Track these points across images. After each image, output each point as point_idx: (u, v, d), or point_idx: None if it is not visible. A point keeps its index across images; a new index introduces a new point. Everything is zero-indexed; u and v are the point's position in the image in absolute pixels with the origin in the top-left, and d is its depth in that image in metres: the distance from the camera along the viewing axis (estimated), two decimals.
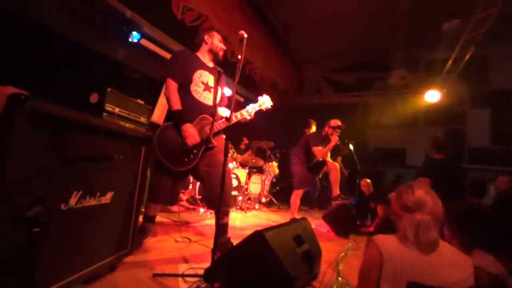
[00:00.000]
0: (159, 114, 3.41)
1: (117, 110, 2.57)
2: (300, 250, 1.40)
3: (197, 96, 1.90)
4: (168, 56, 3.83)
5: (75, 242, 1.12)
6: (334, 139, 3.20)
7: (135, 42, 3.41)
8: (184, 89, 1.86)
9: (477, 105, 6.57)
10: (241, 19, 4.33)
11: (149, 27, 3.39)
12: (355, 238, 2.94)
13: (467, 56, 4.79)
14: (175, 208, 3.11)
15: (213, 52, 2.03)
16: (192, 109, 1.85)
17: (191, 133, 1.78)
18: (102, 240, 1.29)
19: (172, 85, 1.82)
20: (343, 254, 2.27)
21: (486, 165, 6.39)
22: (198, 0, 3.53)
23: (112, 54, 3.26)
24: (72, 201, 1.08)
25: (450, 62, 5.14)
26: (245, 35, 1.60)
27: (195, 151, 1.82)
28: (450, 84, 5.63)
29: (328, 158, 3.39)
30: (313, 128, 3.79)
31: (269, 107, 2.05)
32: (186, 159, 1.80)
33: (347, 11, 4.82)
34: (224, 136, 2.01)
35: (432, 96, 5.64)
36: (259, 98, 2.05)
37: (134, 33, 3.37)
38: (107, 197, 1.28)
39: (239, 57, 1.59)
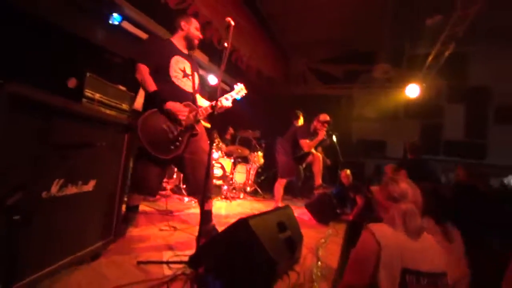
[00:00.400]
0: (141, 101, 3.31)
1: (97, 96, 2.47)
2: (283, 236, 1.46)
3: (177, 83, 1.85)
4: None
5: (57, 230, 1.10)
6: (322, 134, 3.28)
7: (116, 25, 3.24)
8: (162, 76, 1.79)
9: (454, 100, 6.89)
10: (228, 6, 4.21)
11: (131, 9, 3.23)
12: (335, 226, 3.07)
13: (447, 53, 4.98)
14: (159, 197, 3.09)
15: (188, 40, 1.96)
16: (173, 95, 1.79)
17: (177, 108, 1.73)
18: (85, 228, 1.28)
19: (143, 68, 1.73)
20: (323, 240, 2.40)
21: (460, 157, 6.80)
22: None
23: (91, 36, 3.08)
24: (54, 189, 1.06)
25: (430, 57, 5.32)
26: (232, 23, 1.57)
27: (180, 138, 1.79)
28: (430, 79, 5.86)
29: (313, 150, 3.48)
30: (301, 120, 3.84)
31: (243, 94, 2.07)
32: (172, 147, 1.77)
33: (336, 3, 4.82)
34: (203, 123, 2.02)
35: (413, 90, 5.86)
36: (235, 86, 2.06)
37: (115, 14, 3.20)
38: (90, 185, 1.26)
39: (226, 44, 1.57)
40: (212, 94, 4.08)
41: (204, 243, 1.37)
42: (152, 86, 1.72)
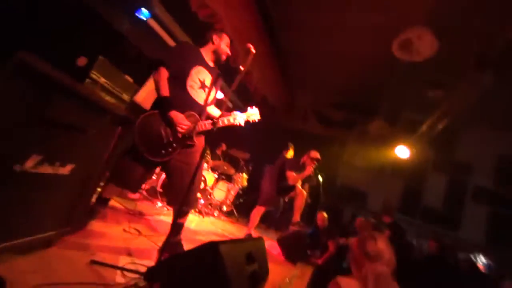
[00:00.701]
0: (144, 96, 3.31)
1: (102, 80, 2.46)
2: (249, 268, 1.40)
3: (191, 92, 1.86)
4: (170, 41, 3.77)
5: (18, 207, 1.03)
6: (309, 170, 3.31)
7: (142, 19, 3.32)
8: (179, 82, 1.82)
9: (438, 169, 7.19)
10: (252, 32, 4.41)
11: (161, 9, 3.34)
12: (302, 267, 3.00)
13: (440, 126, 5.28)
14: (132, 195, 2.97)
15: (216, 54, 2.01)
16: (183, 103, 1.80)
17: (179, 119, 1.73)
18: (47, 213, 1.20)
19: (163, 73, 1.76)
20: (287, 279, 2.32)
21: (434, 225, 6.94)
22: (216, 0, 3.56)
23: (116, 23, 3.13)
24: (29, 164, 1.00)
25: (424, 127, 5.62)
26: (253, 50, 1.64)
27: (174, 145, 1.76)
28: (420, 145, 6.14)
29: (298, 184, 3.48)
30: (291, 152, 3.89)
31: (256, 120, 2.04)
32: (163, 151, 1.74)
33: (349, 54, 5.14)
34: (203, 138, 1.98)
35: (402, 151, 6.10)
36: (249, 108, 2.04)
37: (144, 10, 3.29)
38: (66, 169, 1.21)
39: (241, 68, 1.62)
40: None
41: (167, 258, 1.30)
42: (164, 91, 1.74)
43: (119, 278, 1.29)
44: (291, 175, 3.28)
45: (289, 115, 7.56)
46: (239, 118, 1.96)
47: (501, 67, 3.48)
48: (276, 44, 5.33)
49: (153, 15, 3.36)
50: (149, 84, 3.36)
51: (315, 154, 3.45)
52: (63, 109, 1.08)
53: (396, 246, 1.26)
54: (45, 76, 0.94)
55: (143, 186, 3.39)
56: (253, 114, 2.03)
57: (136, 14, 3.30)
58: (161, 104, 1.76)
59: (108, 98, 2.55)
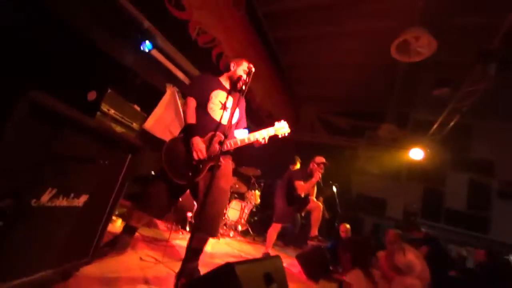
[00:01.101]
0: (152, 123, 3.41)
1: (112, 112, 2.56)
2: None
3: (212, 114, 1.90)
4: (174, 69, 3.93)
5: (35, 242, 1.05)
6: (317, 176, 3.26)
7: (145, 51, 3.50)
8: (201, 107, 1.90)
9: (458, 169, 6.90)
10: (251, 51, 4.57)
11: (163, 40, 3.52)
12: (325, 285, 2.85)
13: (451, 124, 5.14)
14: (162, 226, 2.94)
15: (232, 79, 2.02)
16: (204, 125, 1.84)
17: (199, 146, 1.75)
18: (64, 244, 1.21)
19: (191, 102, 1.88)
20: None
21: (460, 228, 6.55)
22: (214, 26, 3.73)
23: (121, 57, 3.32)
24: (44, 198, 1.03)
25: (435, 126, 5.49)
26: (253, 69, 1.69)
27: (200, 166, 1.76)
28: (434, 146, 5.96)
29: (313, 198, 3.41)
30: (298, 165, 3.86)
31: (286, 134, 1.97)
32: (190, 173, 1.75)
33: (352, 63, 5.20)
34: (230, 160, 1.98)
35: (416, 154, 5.93)
36: (276, 123, 1.98)
37: (147, 42, 3.48)
38: (81, 200, 1.23)
39: (243, 88, 1.66)
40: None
41: (184, 283, 1.27)
42: (190, 119, 1.83)
43: None
44: (299, 184, 3.24)
45: (296, 128, 7.58)
46: (265, 134, 1.90)
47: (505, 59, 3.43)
48: (276, 61, 5.48)
49: (155, 46, 3.54)
50: (157, 111, 3.48)
51: (320, 158, 3.42)
52: (74, 142, 1.12)
53: (437, 259, 1.18)
54: (56, 113, 0.98)
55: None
56: (282, 127, 1.97)
57: (141, 47, 3.49)
58: (186, 131, 1.84)
59: (118, 128, 2.63)
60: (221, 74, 2.11)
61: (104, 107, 2.48)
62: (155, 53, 3.61)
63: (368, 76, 5.42)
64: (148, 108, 3.22)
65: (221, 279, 1.06)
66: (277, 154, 6.51)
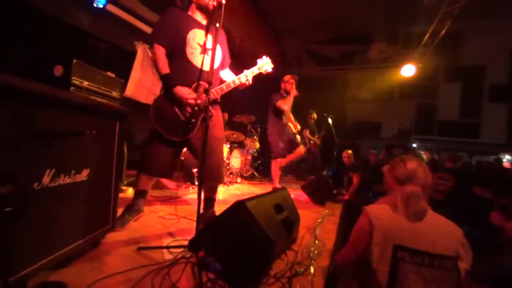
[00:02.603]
0: (133, 88, 3.22)
1: (85, 83, 2.38)
2: (280, 217, 1.48)
3: (193, 61, 1.72)
4: (139, 24, 3.53)
5: (52, 221, 1.09)
6: (293, 91, 3.36)
7: (100, 8, 3.08)
8: (178, 54, 1.70)
9: (449, 79, 6.88)
10: None
11: None
12: (331, 206, 3.14)
13: (444, 30, 4.90)
14: (170, 185, 3.06)
15: (201, 7, 1.75)
16: (187, 75, 1.69)
17: (185, 95, 1.64)
18: (81, 218, 1.27)
19: (159, 50, 1.66)
20: (320, 220, 2.45)
21: (454, 137, 6.90)
22: None
23: (75, 21, 2.94)
24: (46, 179, 1.04)
25: (427, 36, 5.24)
26: (223, 1, 1.50)
27: (193, 120, 1.70)
28: (426, 58, 5.81)
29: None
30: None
31: (270, 70, 1.90)
32: (185, 128, 1.70)
33: None
34: (219, 108, 1.90)
35: (408, 70, 5.82)
36: (258, 60, 1.89)
37: None
38: (83, 175, 1.24)
39: (217, 25, 1.50)
40: None
41: (204, 226, 1.39)
42: (164, 69, 1.65)
43: (167, 256, 1.41)
44: (280, 103, 3.35)
45: (283, 65, 7.23)
46: (249, 74, 1.81)
47: None
48: None
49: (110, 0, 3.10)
50: (133, 75, 3.24)
51: (287, 76, 3.52)
52: (54, 119, 1.07)
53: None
54: (24, 91, 0.91)
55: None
56: (264, 64, 1.88)
57: (94, 5, 3.06)
58: (165, 83, 1.69)
59: (99, 99, 2.49)
60: (187, 9, 1.81)
61: (76, 81, 2.29)
62: (111, 7, 3.18)
63: None
64: (124, 72, 2.98)
65: (235, 216, 1.14)
66: (267, 96, 6.39)
